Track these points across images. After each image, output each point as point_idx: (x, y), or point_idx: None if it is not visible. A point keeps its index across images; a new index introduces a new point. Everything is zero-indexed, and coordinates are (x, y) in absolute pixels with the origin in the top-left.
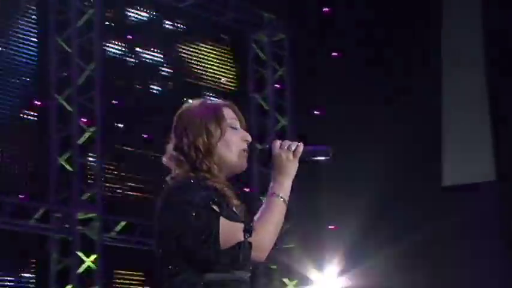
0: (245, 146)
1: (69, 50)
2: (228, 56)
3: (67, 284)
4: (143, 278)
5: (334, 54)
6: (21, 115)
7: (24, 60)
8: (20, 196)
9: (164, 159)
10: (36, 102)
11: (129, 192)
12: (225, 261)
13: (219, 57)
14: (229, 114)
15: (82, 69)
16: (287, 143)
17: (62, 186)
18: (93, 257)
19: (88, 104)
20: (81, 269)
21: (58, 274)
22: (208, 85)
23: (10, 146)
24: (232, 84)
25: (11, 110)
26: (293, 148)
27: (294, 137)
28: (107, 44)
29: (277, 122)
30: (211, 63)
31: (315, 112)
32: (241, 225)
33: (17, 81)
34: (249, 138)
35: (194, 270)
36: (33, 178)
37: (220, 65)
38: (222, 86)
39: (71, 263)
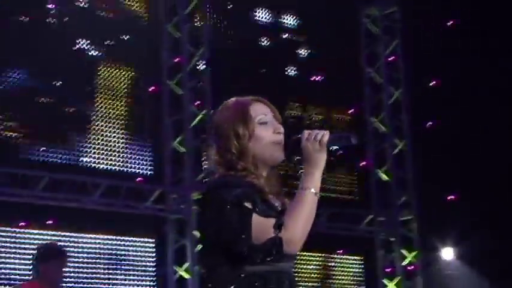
0: (278, 138)
1: (178, 35)
2: None
3: (184, 263)
4: None
5: (448, 23)
6: None
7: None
8: (138, 179)
9: (207, 164)
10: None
11: None
12: (259, 256)
13: None
14: (258, 110)
15: (192, 54)
16: (314, 133)
17: (177, 169)
18: None
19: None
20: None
21: (176, 253)
22: None
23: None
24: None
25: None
26: (319, 138)
27: (408, 109)
28: None
29: (391, 95)
30: None
31: (430, 84)
32: (273, 221)
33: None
34: (281, 130)
35: (231, 264)
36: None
37: None
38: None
39: (187, 242)
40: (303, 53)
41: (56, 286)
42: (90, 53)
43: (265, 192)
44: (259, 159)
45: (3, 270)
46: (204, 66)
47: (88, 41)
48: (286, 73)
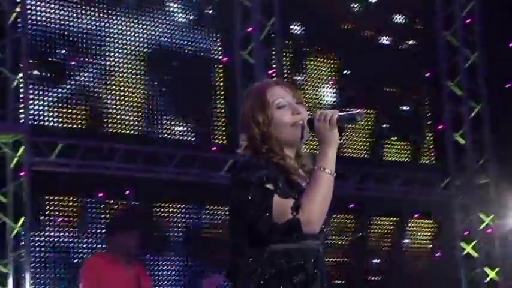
0: (296, 119)
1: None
2: None
3: None
4: None
5: None
6: None
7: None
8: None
9: (239, 150)
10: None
11: None
12: (280, 235)
13: None
14: (275, 94)
15: (263, 25)
16: (324, 113)
17: None
18: None
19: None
20: None
21: None
22: None
23: None
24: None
25: None
26: (328, 118)
27: (484, 72)
28: None
29: (468, 58)
30: None
31: (507, 46)
32: (292, 202)
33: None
34: (300, 110)
35: (256, 243)
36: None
37: None
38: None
39: None
40: None
41: (129, 256)
42: None
43: (291, 172)
44: (283, 142)
45: (84, 240)
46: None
47: None
48: None
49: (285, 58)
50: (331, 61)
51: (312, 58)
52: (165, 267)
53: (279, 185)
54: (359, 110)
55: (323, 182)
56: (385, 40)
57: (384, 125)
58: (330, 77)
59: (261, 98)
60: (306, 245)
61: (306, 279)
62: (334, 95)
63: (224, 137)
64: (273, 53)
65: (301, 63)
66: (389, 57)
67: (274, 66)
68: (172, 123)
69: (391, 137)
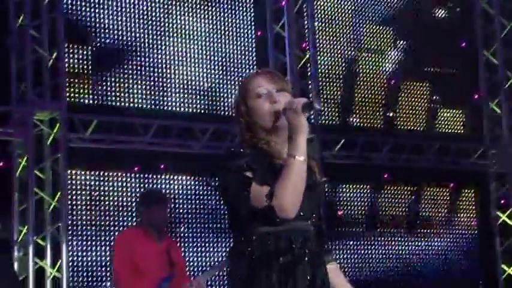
0: (274, 108)
1: None
2: None
3: None
4: None
5: None
6: None
7: None
8: None
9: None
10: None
11: None
12: (261, 220)
13: None
14: (255, 84)
15: None
16: (290, 102)
17: None
18: None
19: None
20: None
21: None
22: None
23: None
24: None
25: None
26: (294, 106)
27: None
28: None
29: (504, 27)
30: None
31: None
32: (267, 190)
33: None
34: (276, 99)
35: (244, 227)
36: None
37: None
38: None
39: None
40: None
41: (160, 229)
42: None
43: (275, 156)
44: (266, 128)
45: (119, 214)
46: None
47: None
48: None
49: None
50: None
51: None
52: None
53: (257, 172)
54: (315, 99)
55: (294, 169)
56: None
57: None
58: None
59: (244, 89)
60: (294, 226)
61: (293, 259)
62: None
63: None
64: (306, 26)
65: None
66: (427, 27)
67: (307, 39)
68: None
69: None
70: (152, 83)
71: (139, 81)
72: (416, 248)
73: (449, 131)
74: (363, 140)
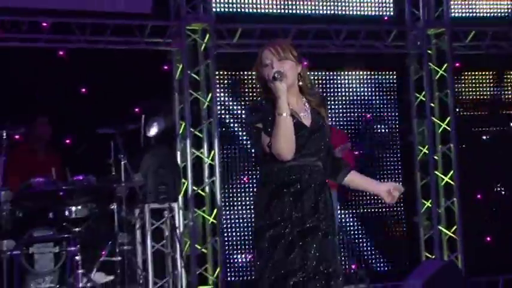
0: (274, 74)
1: None
2: None
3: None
4: None
5: None
6: None
7: None
8: None
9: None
10: None
11: None
12: (273, 159)
13: None
14: (264, 55)
15: None
16: (270, 72)
17: None
18: None
19: None
20: None
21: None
22: None
23: None
24: None
25: None
26: (271, 75)
27: None
28: None
29: None
30: None
31: None
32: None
33: None
34: (276, 67)
35: (265, 163)
36: None
37: None
38: None
39: None
40: None
41: None
42: None
43: (285, 109)
44: (272, 89)
45: None
46: None
47: None
48: None
49: None
50: None
51: None
52: None
53: (268, 124)
54: (279, 70)
55: (281, 124)
56: None
57: None
58: None
59: (258, 58)
60: (303, 162)
61: (300, 189)
62: None
63: None
64: None
65: None
66: None
67: None
68: None
69: None
70: None
71: None
72: None
73: None
74: None
